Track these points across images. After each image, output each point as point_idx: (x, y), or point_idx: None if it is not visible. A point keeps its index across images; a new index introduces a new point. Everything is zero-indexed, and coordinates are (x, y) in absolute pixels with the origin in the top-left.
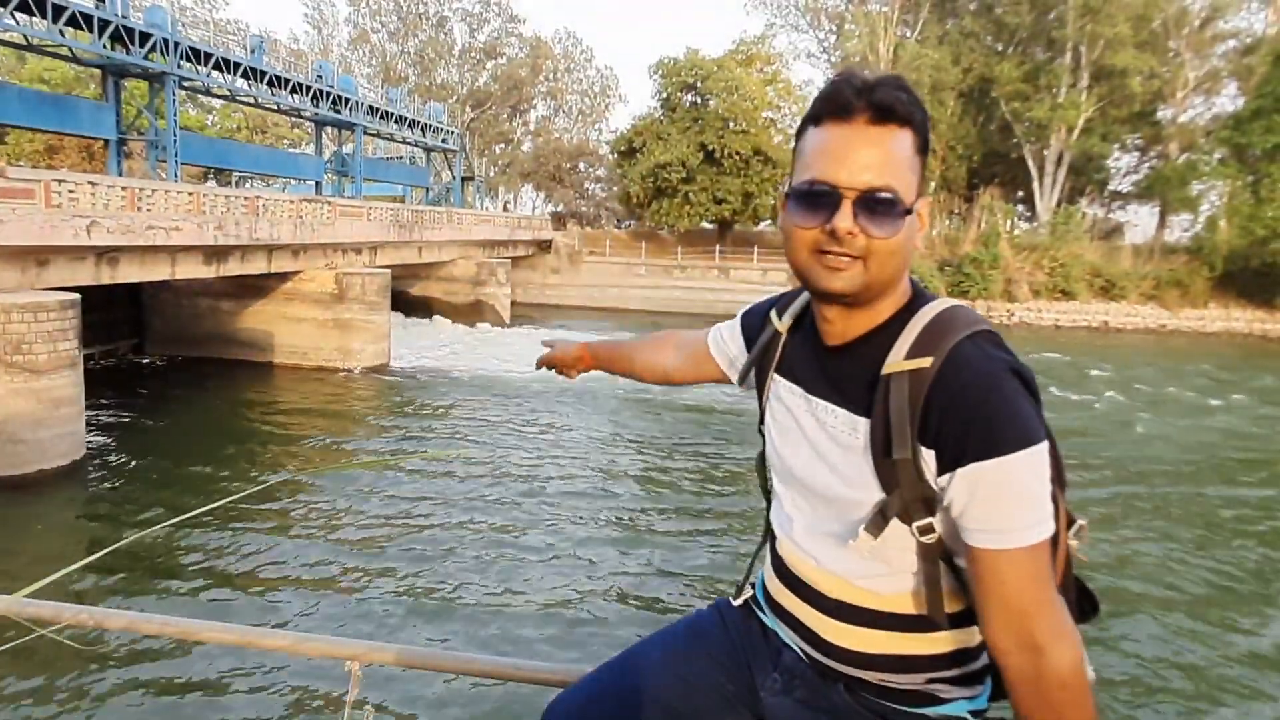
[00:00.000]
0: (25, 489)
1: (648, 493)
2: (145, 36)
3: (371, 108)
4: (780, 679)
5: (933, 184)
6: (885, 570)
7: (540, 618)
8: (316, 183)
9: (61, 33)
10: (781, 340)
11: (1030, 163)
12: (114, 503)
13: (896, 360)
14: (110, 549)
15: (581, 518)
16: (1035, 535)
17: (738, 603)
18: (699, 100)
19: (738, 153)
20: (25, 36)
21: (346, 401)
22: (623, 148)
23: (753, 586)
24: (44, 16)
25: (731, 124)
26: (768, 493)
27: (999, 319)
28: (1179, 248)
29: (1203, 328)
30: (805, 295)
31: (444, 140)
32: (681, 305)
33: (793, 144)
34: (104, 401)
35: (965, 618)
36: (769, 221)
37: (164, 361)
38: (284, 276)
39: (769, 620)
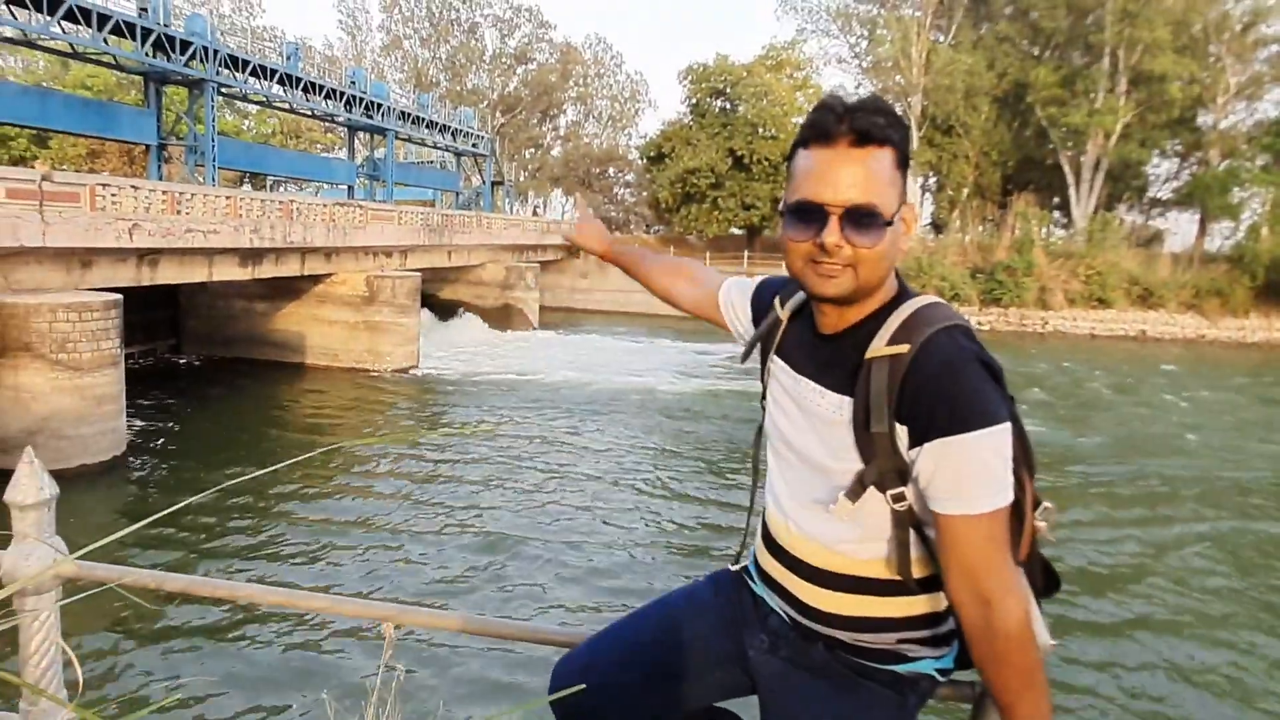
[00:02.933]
0: (68, 483)
1: (663, 481)
2: (186, 44)
3: (403, 113)
4: (766, 640)
5: (965, 190)
6: (861, 535)
7: (553, 587)
8: (349, 187)
9: (106, 41)
10: (782, 327)
11: (1066, 169)
12: (153, 497)
13: (879, 347)
14: (161, 514)
15: (599, 503)
16: (990, 504)
17: (735, 568)
18: (728, 106)
19: (766, 158)
20: (71, 45)
21: (377, 402)
22: (652, 153)
23: (747, 559)
24: (89, 25)
25: (761, 130)
26: (757, 468)
27: (1033, 327)
28: (1220, 256)
29: (1244, 338)
30: None
31: (474, 145)
32: None
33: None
34: (143, 400)
35: (933, 583)
36: None
37: (200, 361)
38: (316, 279)
39: (759, 589)
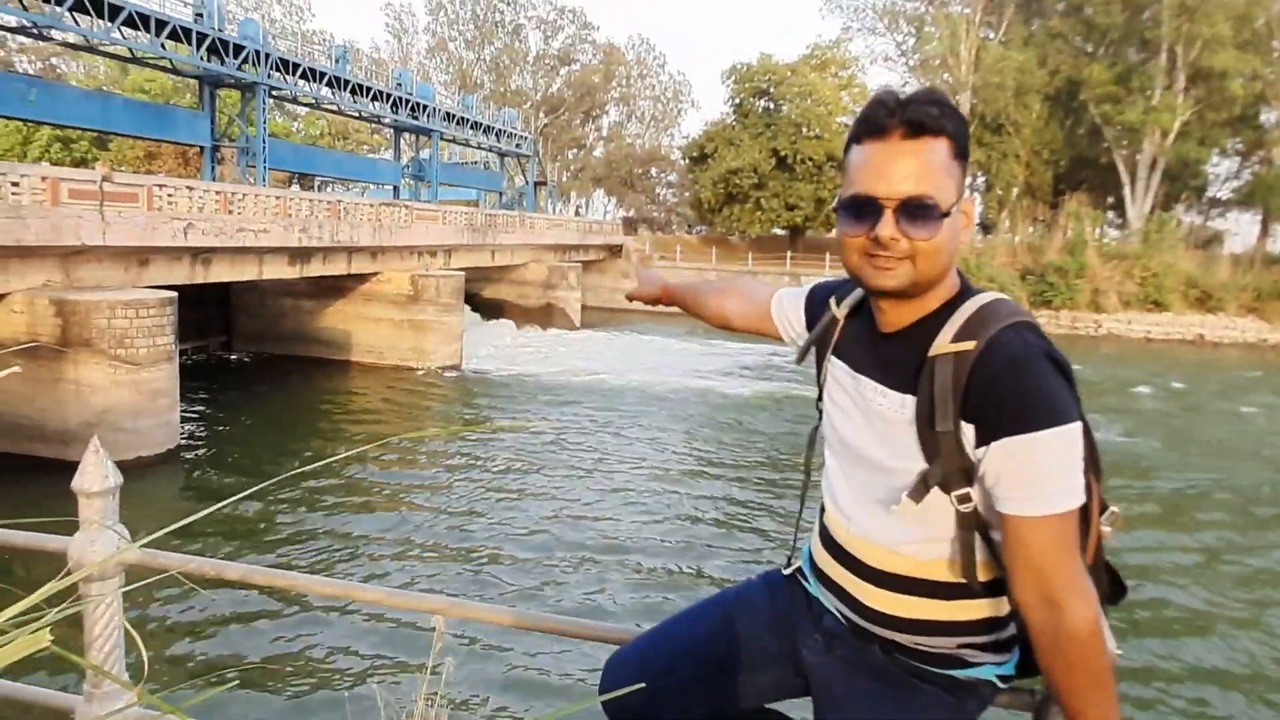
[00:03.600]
0: (125, 474)
1: (709, 479)
2: (239, 48)
3: (448, 114)
4: (821, 639)
5: (1015, 190)
6: (924, 536)
7: (602, 584)
8: (394, 187)
9: (163, 45)
10: (839, 326)
11: (1121, 168)
12: (206, 488)
13: (943, 344)
14: (220, 505)
15: (645, 500)
16: (1061, 505)
17: (787, 572)
18: (772, 106)
19: (810, 158)
20: (131, 50)
21: (420, 400)
22: (694, 153)
23: (800, 558)
24: (148, 31)
25: (805, 129)
26: (809, 470)
27: (1085, 330)
28: None
29: None
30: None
31: (518, 145)
32: None
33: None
34: (196, 395)
35: (996, 587)
36: None
37: (250, 358)
38: (362, 278)
39: (813, 588)
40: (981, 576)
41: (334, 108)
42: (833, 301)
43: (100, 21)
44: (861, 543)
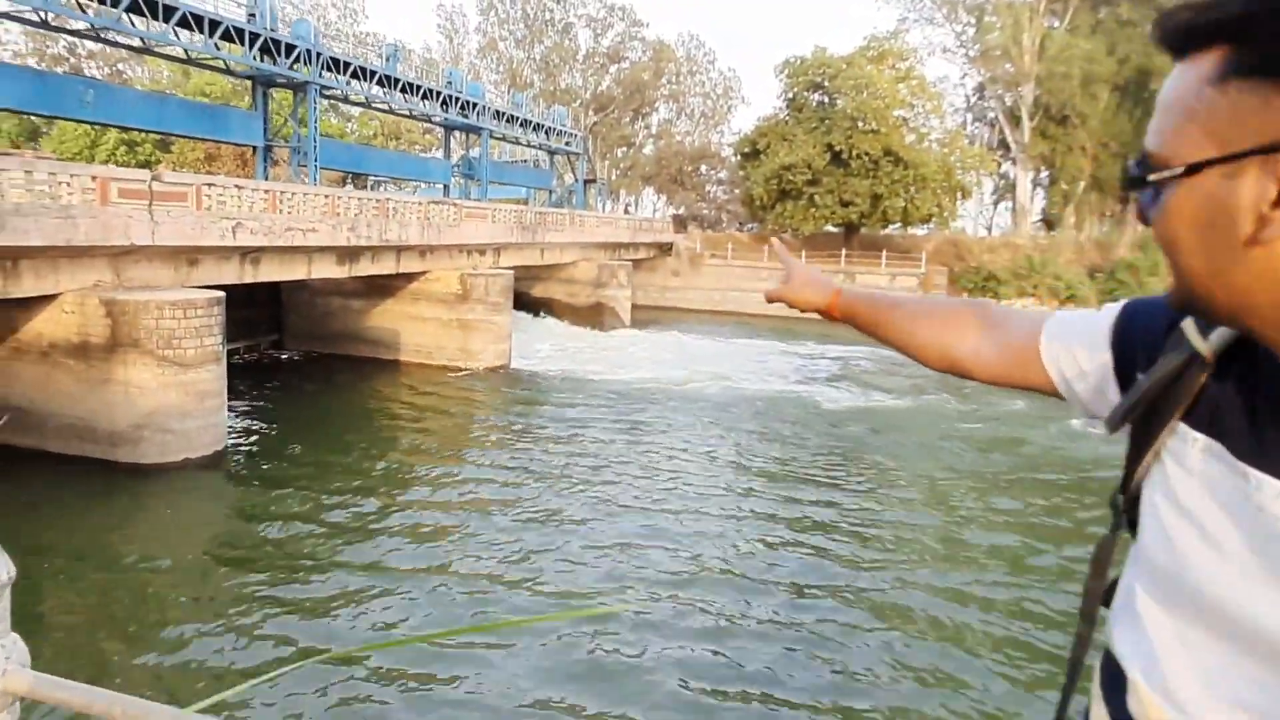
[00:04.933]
0: (173, 476)
1: (771, 496)
2: (290, 48)
3: (498, 112)
4: None
5: (1081, 185)
6: None
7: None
8: (445, 185)
9: (217, 46)
10: (1205, 376)
11: None
12: (250, 500)
13: None
14: (271, 675)
15: (702, 512)
16: None
17: None
18: (826, 100)
19: (866, 153)
20: (186, 51)
21: (469, 400)
22: (746, 149)
23: None
24: (201, 31)
25: (860, 123)
26: (1092, 609)
27: None
28: None
29: None
30: None
31: (567, 143)
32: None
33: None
34: (245, 395)
35: None
36: (898, 225)
37: (299, 357)
38: (411, 277)
39: None
40: None
41: (385, 107)
42: (1190, 331)
43: (156, 23)
44: None
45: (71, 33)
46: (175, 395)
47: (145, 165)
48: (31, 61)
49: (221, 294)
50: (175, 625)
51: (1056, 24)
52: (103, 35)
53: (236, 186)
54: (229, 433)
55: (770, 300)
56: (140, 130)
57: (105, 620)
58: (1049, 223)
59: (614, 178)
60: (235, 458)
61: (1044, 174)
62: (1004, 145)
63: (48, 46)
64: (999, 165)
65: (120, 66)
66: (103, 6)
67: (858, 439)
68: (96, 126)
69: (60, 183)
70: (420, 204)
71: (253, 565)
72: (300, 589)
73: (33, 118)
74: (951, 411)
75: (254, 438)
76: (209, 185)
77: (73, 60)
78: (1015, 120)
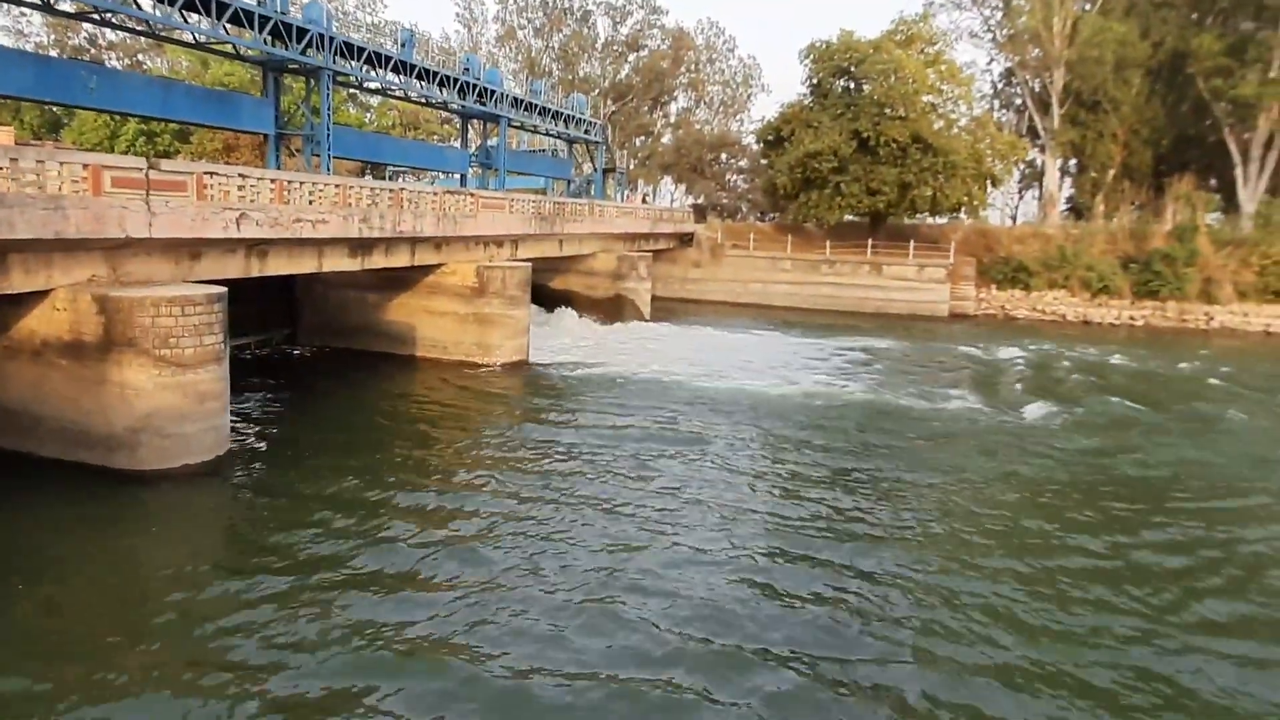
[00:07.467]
0: (169, 485)
1: (792, 505)
2: (302, 32)
3: (516, 100)
4: None
5: (1111, 172)
6: None
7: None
8: (462, 175)
9: (225, 30)
10: None
11: (1232, 147)
12: (253, 510)
13: None
14: None
15: (723, 518)
16: None
17: None
18: (853, 85)
19: (894, 140)
20: (193, 35)
21: (486, 398)
22: (769, 137)
23: None
24: (209, 14)
25: (889, 110)
26: None
27: (1195, 323)
28: None
29: None
30: None
31: (586, 132)
32: (829, 303)
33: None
34: (254, 392)
35: None
36: (927, 214)
37: (311, 352)
38: (426, 270)
39: None
40: None
41: (400, 94)
42: None
43: (161, 6)
44: None
45: (75, 16)
46: (173, 397)
47: (165, 156)
48: (54, 53)
49: (223, 290)
50: (151, 646)
51: (1087, 7)
52: (107, 18)
53: (241, 175)
54: (234, 435)
55: None
56: (144, 117)
57: (85, 638)
58: (1076, 211)
59: (631, 167)
60: (238, 463)
61: (1072, 162)
62: (1032, 132)
63: (69, 38)
64: (1027, 152)
65: (140, 57)
66: None
67: (910, 449)
68: (116, 117)
69: (48, 171)
70: (436, 194)
71: (244, 597)
72: (289, 625)
73: (54, 109)
74: (1007, 419)
75: (260, 440)
76: (210, 174)
77: (93, 51)
78: (1044, 106)
